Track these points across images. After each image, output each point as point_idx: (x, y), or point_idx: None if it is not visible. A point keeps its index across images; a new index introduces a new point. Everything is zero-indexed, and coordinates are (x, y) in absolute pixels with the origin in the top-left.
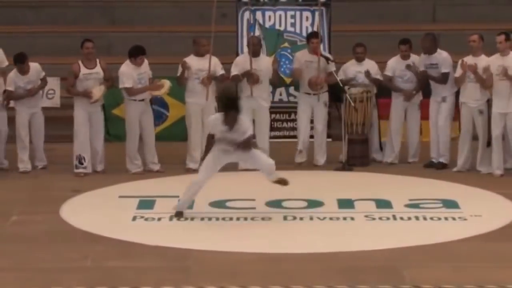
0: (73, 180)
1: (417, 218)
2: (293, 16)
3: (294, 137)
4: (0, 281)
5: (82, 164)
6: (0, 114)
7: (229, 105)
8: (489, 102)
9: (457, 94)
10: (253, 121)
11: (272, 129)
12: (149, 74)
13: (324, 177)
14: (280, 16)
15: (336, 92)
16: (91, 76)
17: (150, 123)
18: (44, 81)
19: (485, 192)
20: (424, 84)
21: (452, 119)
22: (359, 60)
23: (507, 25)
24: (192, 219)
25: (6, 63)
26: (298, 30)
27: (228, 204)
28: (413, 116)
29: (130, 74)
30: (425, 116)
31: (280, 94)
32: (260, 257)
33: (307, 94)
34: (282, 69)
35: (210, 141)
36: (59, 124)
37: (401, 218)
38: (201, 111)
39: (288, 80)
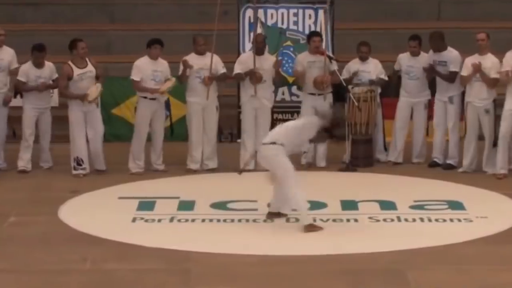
0: (71, 181)
1: (421, 219)
2: (295, 14)
3: None
4: None
5: (80, 165)
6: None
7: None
8: (495, 102)
9: (462, 93)
10: (255, 121)
11: None
12: (167, 76)
13: (327, 177)
14: (282, 14)
15: (339, 92)
16: (85, 76)
17: (160, 124)
18: (56, 83)
19: (491, 193)
20: (428, 80)
21: (460, 120)
22: (363, 59)
23: None
24: (192, 220)
25: (17, 65)
26: (300, 28)
27: (229, 205)
28: (419, 116)
29: (142, 67)
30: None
31: (283, 94)
32: (261, 260)
33: (311, 94)
34: (285, 68)
35: None
36: (57, 124)
37: (406, 220)
38: (202, 110)
39: (290, 79)
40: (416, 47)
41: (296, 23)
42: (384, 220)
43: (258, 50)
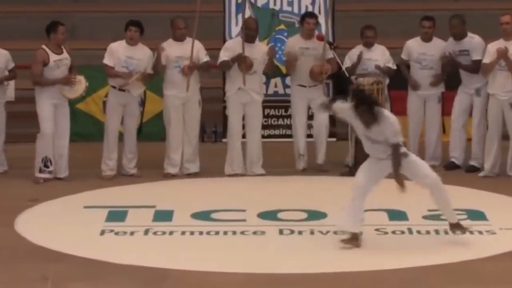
0: (30, 187)
1: (437, 232)
2: None
3: (292, 136)
4: None
5: (48, 167)
6: None
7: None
8: None
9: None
10: (243, 117)
11: (266, 126)
12: (147, 69)
13: (327, 183)
14: None
15: (340, 84)
16: (62, 63)
17: (133, 121)
18: (13, 73)
19: None
20: (446, 72)
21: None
22: (369, 45)
23: None
24: (170, 233)
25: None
26: (296, 10)
27: (213, 215)
28: (432, 111)
29: (115, 51)
30: (448, 111)
31: (276, 86)
32: (250, 279)
33: (301, 86)
34: (278, 56)
35: None
36: (13, 121)
37: (418, 232)
38: (181, 105)
39: (284, 70)
40: (431, 28)
41: (290, 3)
42: (393, 232)
43: (249, 37)
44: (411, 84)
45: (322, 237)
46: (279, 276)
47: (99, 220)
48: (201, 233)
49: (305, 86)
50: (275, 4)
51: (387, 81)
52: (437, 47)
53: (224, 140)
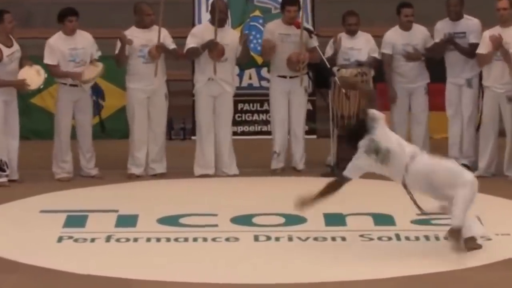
0: None
1: (427, 238)
2: None
3: (268, 133)
4: None
5: (4, 171)
6: None
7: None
8: None
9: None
10: (213, 110)
11: (239, 122)
12: (93, 55)
13: (306, 185)
14: None
15: (321, 75)
16: (14, 56)
17: (87, 117)
18: None
19: None
20: (439, 56)
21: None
22: (351, 33)
23: None
24: (135, 240)
25: None
26: None
27: (182, 220)
28: (419, 104)
29: (56, 47)
30: (437, 105)
31: (250, 78)
32: None
33: (282, 77)
34: (252, 45)
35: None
36: None
37: (407, 238)
38: (146, 99)
39: (259, 60)
40: (413, 15)
41: None
42: (379, 238)
43: (219, 21)
44: (392, 95)
45: (302, 244)
46: (252, 287)
47: (56, 225)
48: (168, 239)
49: (285, 77)
50: None
51: (372, 72)
52: (421, 34)
53: (193, 137)
